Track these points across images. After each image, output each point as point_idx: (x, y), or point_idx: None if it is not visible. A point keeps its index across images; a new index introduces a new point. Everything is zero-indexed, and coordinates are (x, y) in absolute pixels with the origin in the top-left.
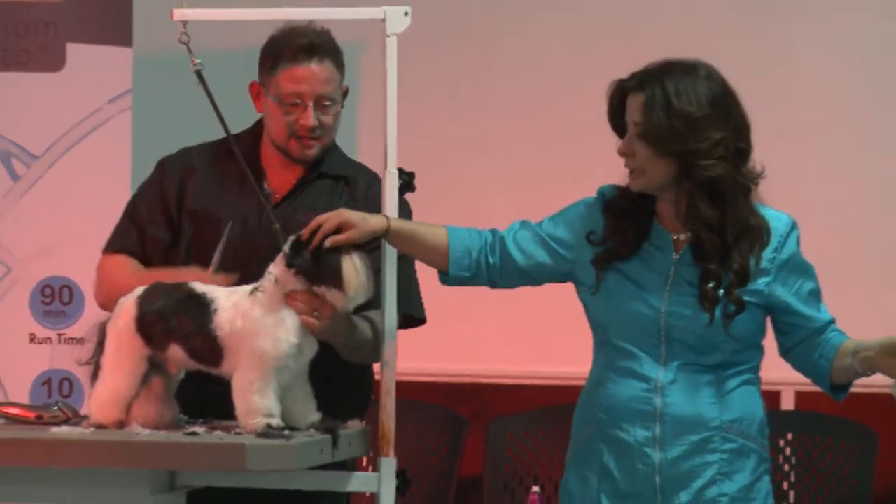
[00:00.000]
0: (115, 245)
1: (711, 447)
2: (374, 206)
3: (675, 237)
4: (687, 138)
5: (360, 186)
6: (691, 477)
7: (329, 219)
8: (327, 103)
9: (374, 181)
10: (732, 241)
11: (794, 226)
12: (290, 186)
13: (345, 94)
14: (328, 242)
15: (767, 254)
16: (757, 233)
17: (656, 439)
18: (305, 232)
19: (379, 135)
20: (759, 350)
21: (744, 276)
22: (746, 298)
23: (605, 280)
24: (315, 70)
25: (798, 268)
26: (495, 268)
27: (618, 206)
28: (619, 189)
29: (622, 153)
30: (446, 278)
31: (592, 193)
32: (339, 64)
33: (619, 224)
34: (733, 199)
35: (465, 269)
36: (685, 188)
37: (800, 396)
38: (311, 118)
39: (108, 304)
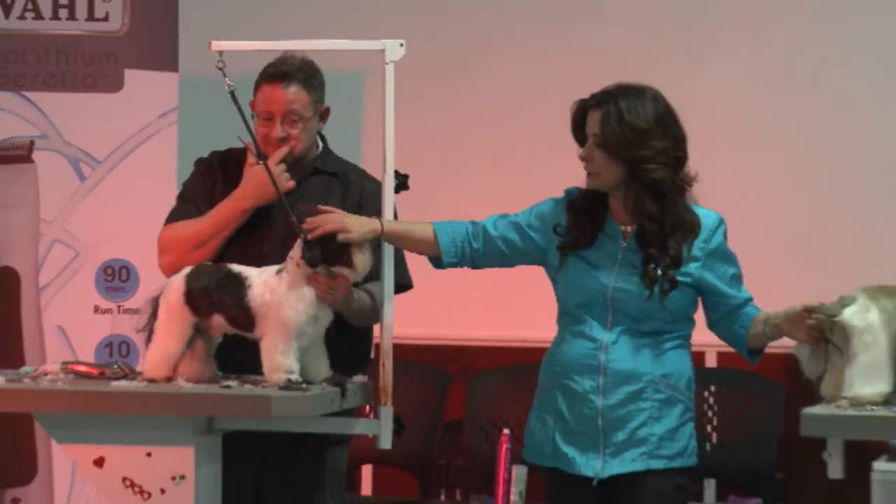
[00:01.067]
0: (171, 218)
1: (644, 396)
2: (366, 197)
3: (623, 228)
4: (636, 147)
5: (351, 180)
6: (627, 420)
7: (332, 222)
8: (294, 118)
9: (364, 176)
10: (670, 232)
11: (721, 222)
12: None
13: (324, 113)
14: (341, 237)
15: (698, 243)
16: (690, 226)
17: (600, 388)
18: (307, 225)
19: (379, 142)
20: (690, 322)
21: (678, 260)
22: (679, 279)
23: (566, 262)
24: (283, 91)
25: (723, 256)
26: (479, 252)
27: (579, 205)
28: (580, 191)
29: (583, 158)
30: (438, 264)
31: (559, 192)
32: (311, 87)
33: (580, 221)
34: (672, 198)
35: (453, 256)
36: (633, 188)
37: (721, 356)
38: (277, 130)
39: (173, 264)
